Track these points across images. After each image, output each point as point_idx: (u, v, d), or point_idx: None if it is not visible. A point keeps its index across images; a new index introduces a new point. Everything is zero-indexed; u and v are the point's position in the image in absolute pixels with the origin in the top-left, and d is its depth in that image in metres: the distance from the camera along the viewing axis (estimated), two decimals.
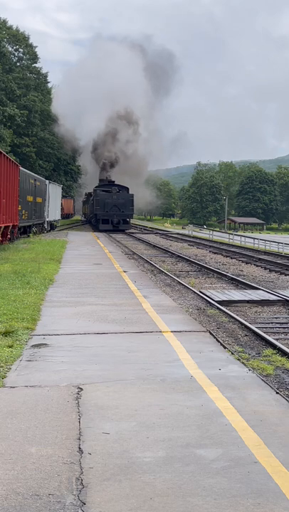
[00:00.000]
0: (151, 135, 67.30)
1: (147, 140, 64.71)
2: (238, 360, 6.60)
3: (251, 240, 36.47)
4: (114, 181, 51.84)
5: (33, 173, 35.24)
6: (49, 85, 67.08)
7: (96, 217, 46.22)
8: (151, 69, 67.94)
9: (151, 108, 68.89)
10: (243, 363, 6.46)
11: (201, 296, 12.47)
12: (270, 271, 19.63)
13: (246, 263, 22.46)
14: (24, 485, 3.41)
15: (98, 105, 59.11)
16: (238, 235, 42.13)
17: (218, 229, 76.18)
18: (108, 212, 44.98)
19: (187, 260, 22.18)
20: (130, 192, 47.72)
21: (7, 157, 22.68)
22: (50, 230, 41.96)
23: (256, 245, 33.45)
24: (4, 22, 62.21)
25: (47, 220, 39.44)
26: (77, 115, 59.23)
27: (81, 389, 5.27)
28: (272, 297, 12.62)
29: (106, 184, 50.00)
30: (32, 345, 6.98)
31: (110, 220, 44.99)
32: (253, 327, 9.24)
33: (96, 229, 46.21)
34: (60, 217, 51.59)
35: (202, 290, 13.50)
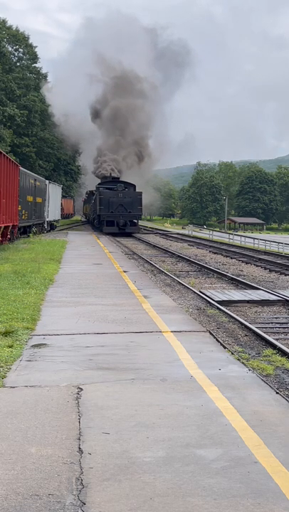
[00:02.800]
0: (159, 131, 63.71)
1: (156, 135, 61.27)
2: (238, 360, 6.60)
3: (251, 240, 36.47)
4: (118, 178, 46.67)
5: (33, 173, 35.23)
6: (49, 85, 67.08)
7: (99, 218, 40.95)
8: (162, 55, 65.81)
9: (161, 102, 66.28)
10: (243, 363, 6.46)
11: (201, 296, 12.47)
12: (270, 271, 19.63)
13: (246, 263, 22.47)
14: (24, 485, 3.41)
15: (99, 76, 57.11)
16: (238, 235, 42.11)
17: (218, 229, 76.16)
18: (113, 213, 39.74)
19: (187, 260, 22.18)
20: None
21: (7, 157, 22.68)
22: (50, 230, 41.91)
23: (256, 245, 33.45)
24: (4, 22, 62.26)
25: (47, 220, 39.38)
26: (78, 103, 57.47)
27: (81, 389, 5.27)
28: (272, 297, 12.62)
29: (110, 181, 44.47)
30: (32, 345, 6.97)
31: (116, 221, 39.70)
32: (253, 327, 9.24)
33: (99, 231, 41.13)
34: (60, 217, 51.42)
35: (202, 290, 13.50)
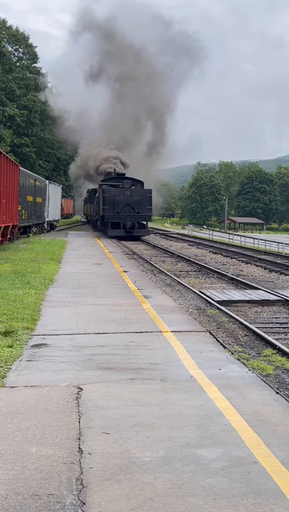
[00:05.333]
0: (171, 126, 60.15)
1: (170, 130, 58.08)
2: (238, 360, 6.60)
3: (251, 240, 36.44)
4: (124, 174, 41.24)
5: (33, 173, 35.26)
6: (49, 85, 67.10)
7: (103, 219, 35.73)
8: (173, 45, 63.87)
9: (173, 97, 62.73)
10: (243, 363, 6.46)
11: (201, 296, 12.47)
12: (270, 271, 19.63)
13: (246, 263, 22.46)
14: (24, 485, 3.41)
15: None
16: (238, 235, 42.05)
17: (218, 229, 76.10)
18: (119, 214, 34.71)
19: (187, 260, 22.17)
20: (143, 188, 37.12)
21: (7, 157, 22.69)
22: (50, 230, 41.92)
23: (256, 245, 33.43)
24: (4, 22, 62.33)
25: (47, 220, 39.38)
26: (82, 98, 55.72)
27: (81, 389, 5.27)
28: (272, 297, 12.62)
29: (115, 177, 39.25)
30: (32, 345, 6.97)
31: (122, 223, 34.62)
32: (253, 327, 9.24)
33: (103, 234, 36.62)
34: (60, 217, 51.39)
35: (202, 290, 13.50)
